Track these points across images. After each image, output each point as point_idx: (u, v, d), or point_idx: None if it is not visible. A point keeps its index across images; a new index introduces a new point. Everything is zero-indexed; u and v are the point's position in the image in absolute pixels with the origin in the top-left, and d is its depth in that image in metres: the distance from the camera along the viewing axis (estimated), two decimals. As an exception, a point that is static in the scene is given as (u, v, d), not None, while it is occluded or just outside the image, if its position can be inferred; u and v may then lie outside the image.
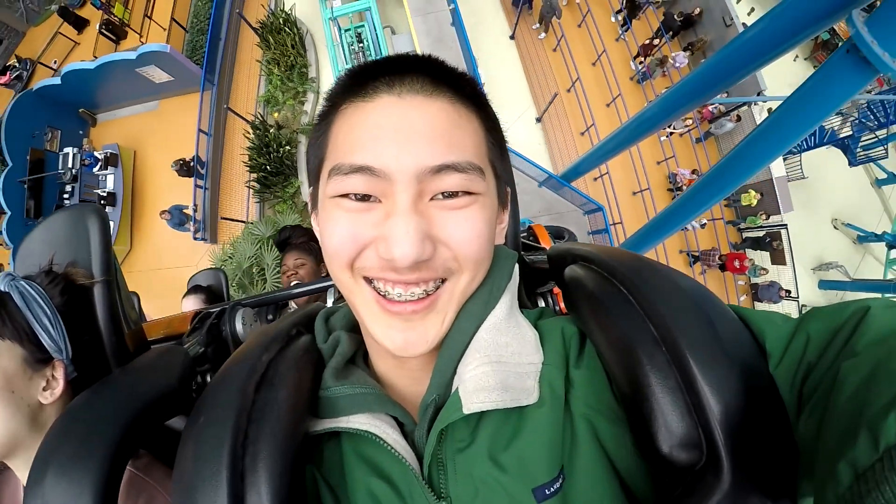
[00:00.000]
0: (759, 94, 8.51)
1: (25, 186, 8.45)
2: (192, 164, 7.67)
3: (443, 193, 0.44)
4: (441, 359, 0.49)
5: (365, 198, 0.44)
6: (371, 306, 0.47)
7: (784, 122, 3.38)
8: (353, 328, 0.59)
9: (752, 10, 9.94)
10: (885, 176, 9.85)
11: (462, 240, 0.45)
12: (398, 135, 0.43)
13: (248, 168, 7.24)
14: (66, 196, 8.69)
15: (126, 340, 0.70)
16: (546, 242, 0.88)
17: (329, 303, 1.05)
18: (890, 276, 9.61)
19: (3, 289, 0.63)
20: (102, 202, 8.12)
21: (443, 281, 0.47)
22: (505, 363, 0.47)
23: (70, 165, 8.59)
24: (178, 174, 7.77)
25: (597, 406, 0.46)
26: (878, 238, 9.47)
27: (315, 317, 0.62)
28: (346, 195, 0.45)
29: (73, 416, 0.53)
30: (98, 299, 0.67)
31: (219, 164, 8.19)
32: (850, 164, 9.14)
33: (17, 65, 10.70)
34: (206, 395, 0.49)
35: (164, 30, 8.88)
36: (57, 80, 8.49)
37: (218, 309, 0.94)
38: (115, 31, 9.55)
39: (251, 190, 7.50)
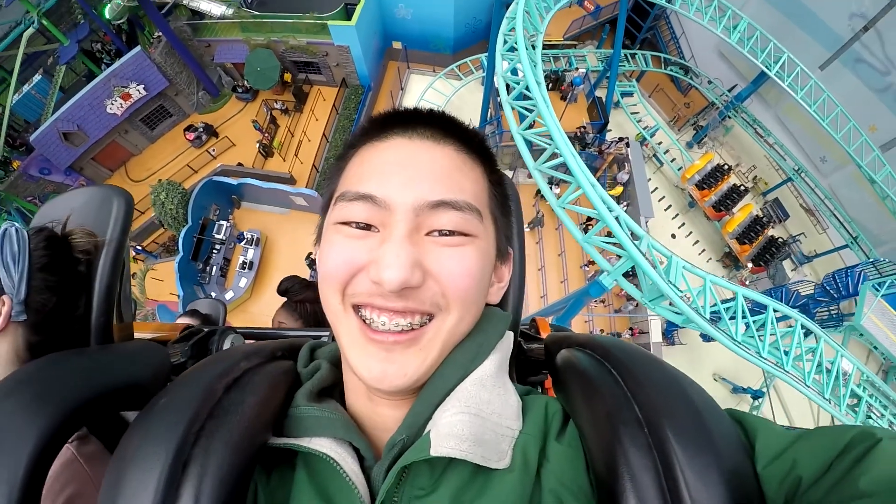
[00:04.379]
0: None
1: (194, 240, 14.73)
2: (313, 257, 14.03)
3: (439, 231, 0.51)
4: (419, 401, 0.53)
5: (365, 227, 0.52)
6: (354, 333, 0.52)
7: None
8: (337, 363, 0.64)
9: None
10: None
11: (451, 274, 0.51)
12: (403, 170, 0.52)
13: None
14: (214, 251, 14.97)
15: (113, 329, 0.76)
16: (547, 335, 0.90)
17: None
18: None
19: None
20: (244, 266, 14.47)
21: (430, 319, 0.52)
22: (484, 419, 0.50)
23: (223, 234, 14.95)
24: (307, 264, 14.09)
25: (569, 485, 0.48)
26: (744, 391, 14.16)
27: (299, 348, 0.68)
28: (347, 223, 0.53)
29: (39, 368, 0.57)
30: (100, 272, 0.74)
31: (324, 265, 14.58)
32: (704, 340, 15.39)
33: (200, 127, 17.06)
34: (173, 383, 0.53)
35: (302, 163, 15.55)
36: (233, 182, 14.93)
37: (209, 329, 1.01)
38: (267, 152, 16.20)
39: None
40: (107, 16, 14.89)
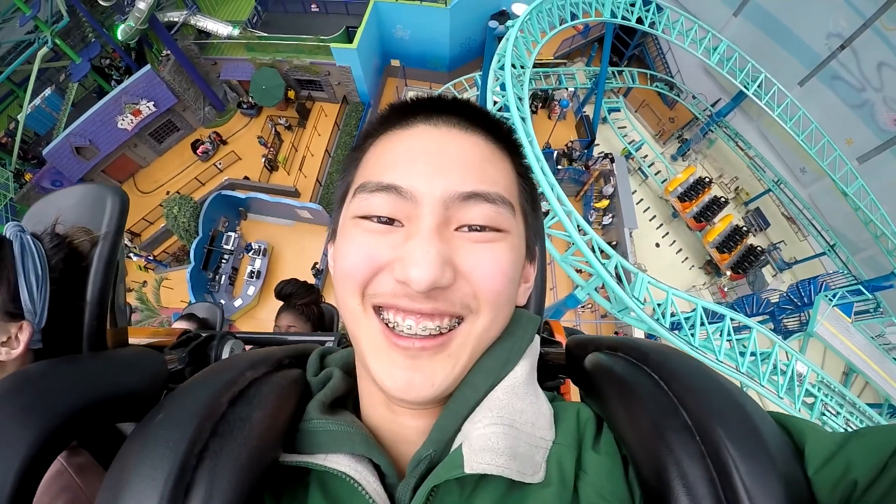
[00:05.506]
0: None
1: (205, 251, 15.89)
2: (319, 267, 15.35)
3: (469, 226, 0.48)
4: (447, 412, 0.50)
5: (388, 222, 0.49)
6: (375, 338, 0.49)
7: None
8: (349, 371, 0.61)
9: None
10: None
11: (484, 274, 0.47)
12: (430, 159, 0.49)
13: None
14: (223, 261, 16.14)
15: (106, 334, 0.73)
16: (561, 337, 0.89)
17: None
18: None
19: (7, 236, 0.68)
20: (252, 275, 15.65)
21: (458, 322, 0.49)
22: (518, 430, 0.47)
23: (231, 244, 16.13)
24: (312, 273, 15.30)
25: (609, 497, 0.46)
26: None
27: (308, 354, 0.64)
28: (368, 217, 0.49)
29: (28, 377, 0.54)
30: (92, 275, 0.71)
31: (329, 272, 15.77)
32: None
33: (208, 141, 18.24)
34: (171, 396, 0.49)
35: (305, 176, 16.76)
36: (241, 196, 16.12)
37: (207, 334, 0.98)
38: (272, 166, 17.43)
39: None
40: (119, 37, 16.06)
